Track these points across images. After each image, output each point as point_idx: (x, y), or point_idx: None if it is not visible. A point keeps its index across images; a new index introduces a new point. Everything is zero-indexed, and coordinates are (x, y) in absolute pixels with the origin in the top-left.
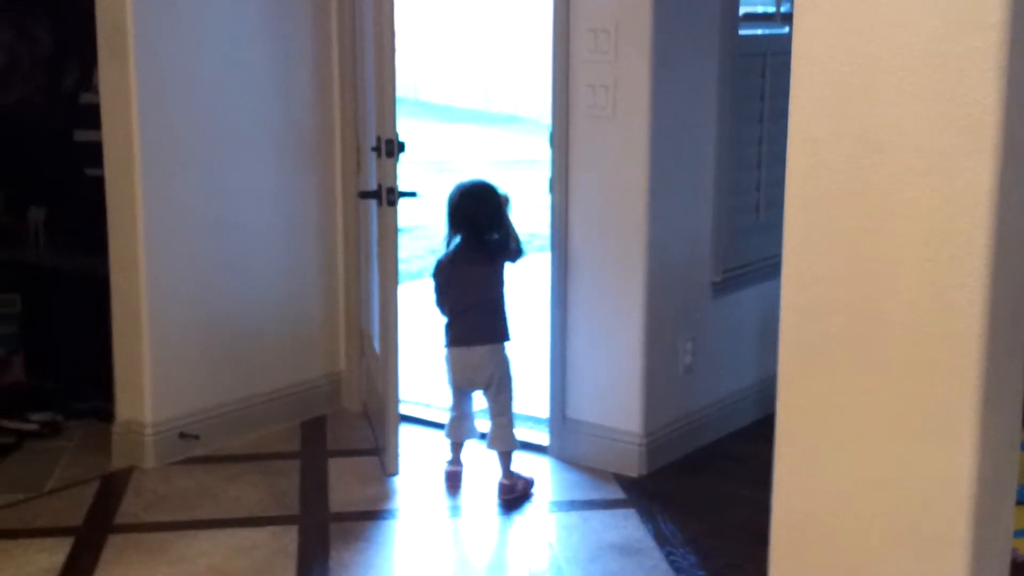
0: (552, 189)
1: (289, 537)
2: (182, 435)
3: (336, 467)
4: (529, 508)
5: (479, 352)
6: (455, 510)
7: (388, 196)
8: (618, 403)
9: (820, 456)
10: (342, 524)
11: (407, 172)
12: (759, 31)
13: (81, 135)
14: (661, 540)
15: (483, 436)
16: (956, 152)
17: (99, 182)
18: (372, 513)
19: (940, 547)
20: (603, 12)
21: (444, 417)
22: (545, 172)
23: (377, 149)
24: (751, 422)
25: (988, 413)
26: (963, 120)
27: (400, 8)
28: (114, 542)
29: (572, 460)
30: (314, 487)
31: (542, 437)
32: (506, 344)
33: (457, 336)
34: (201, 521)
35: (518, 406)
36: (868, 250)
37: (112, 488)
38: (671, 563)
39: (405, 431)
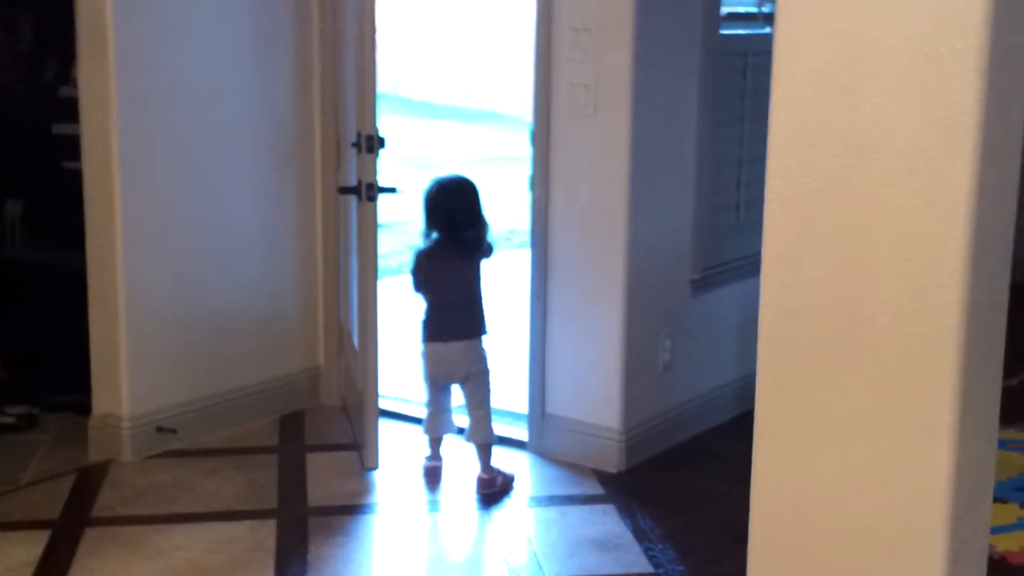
0: (533, 186)
1: (267, 531)
2: (159, 429)
3: (314, 461)
4: (508, 503)
5: (456, 348)
6: (434, 505)
7: (368, 192)
8: (597, 399)
9: (799, 454)
10: (320, 518)
11: (387, 168)
12: (741, 31)
13: (59, 128)
14: (640, 536)
15: (461, 431)
16: (937, 153)
17: (77, 176)
18: (351, 507)
19: (918, 544)
20: (585, 11)
21: (423, 412)
22: (525, 169)
23: (357, 145)
24: (730, 418)
25: (966, 411)
26: (944, 121)
27: (381, 4)
28: (91, 535)
29: (551, 456)
30: (292, 481)
31: (521, 433)
32: (483, 338)
33: (434, 332)
34: (178, 515)
35: (498, 401)
36: (848, 250)
37: (89, 482)
38: (650, 558)
39: (384, 426)
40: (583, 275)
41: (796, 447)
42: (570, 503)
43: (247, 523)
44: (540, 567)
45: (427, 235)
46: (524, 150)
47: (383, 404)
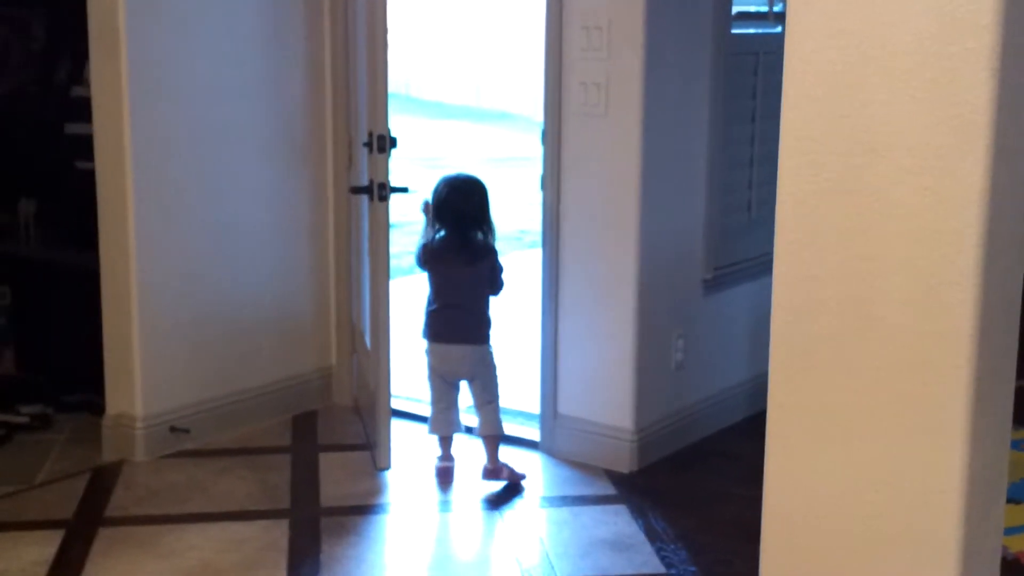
0: (544, 186)
1: (280, 531)
2: (172, 429)
3: (327, 461)
4: (520, 503)
5: (456, 351)
6: (446, 505)
7: (379, 192)
8: (609, 399)
9: (811, 454)
10: (333, 518)
11: (398, 168)
12: (752, 30)
13: (72, 128)
14: (652, 536)
15: (470, 430)
16: (948, 152)
17: (90, 175)
18: (363, 507)
19: (931, 544)
20: (596, 9)
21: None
22: (536, 169)
23: (369, 145)
24: (742, 419)
25: (979, 411)
26: (955, 120)
27: (392, 4)
28: (104, 535)
29: (563, 456)
30: (305, 481)
31: (533, 433)
32: (488, 346)
33: (436, 332)
34: (191, 515)
35: (509, 401)
36: (860, 248)
37: (102, 481)
38: (662, 559)
39: (396, 426)
40: (595, 275)
41: (808, 447)
42: (582, 503)
43: (260, 523)
44: (552, 567)
45: (433, 233)
46: (535, 150)
47: (395, 404)
